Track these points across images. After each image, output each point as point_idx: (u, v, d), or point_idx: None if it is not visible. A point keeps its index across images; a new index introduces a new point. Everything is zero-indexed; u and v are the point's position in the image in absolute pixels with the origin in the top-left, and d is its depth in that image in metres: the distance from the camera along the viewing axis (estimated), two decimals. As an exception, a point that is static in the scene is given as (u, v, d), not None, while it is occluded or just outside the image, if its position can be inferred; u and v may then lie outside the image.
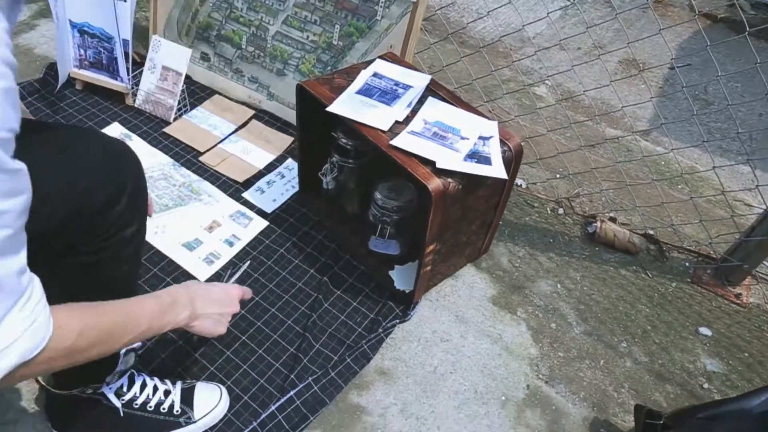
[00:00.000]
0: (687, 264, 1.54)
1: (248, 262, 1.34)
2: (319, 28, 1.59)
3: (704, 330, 1.39)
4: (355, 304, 1.32)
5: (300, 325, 1.27)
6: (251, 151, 1.66)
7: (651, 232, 1.59)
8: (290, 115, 1.74)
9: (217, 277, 1.34)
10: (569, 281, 1.46)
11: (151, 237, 1.40)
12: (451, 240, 1.23)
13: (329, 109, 1.17)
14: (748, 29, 1.26)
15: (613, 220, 1.58)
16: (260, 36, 1.70)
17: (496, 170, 1.10)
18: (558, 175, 1.74)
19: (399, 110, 1.18)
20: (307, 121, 1.36)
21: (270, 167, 1.63)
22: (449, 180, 1.07)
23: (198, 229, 1.44)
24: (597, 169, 1.71)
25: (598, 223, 1.54)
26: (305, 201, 1.53)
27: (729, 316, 1.44)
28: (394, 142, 1.11)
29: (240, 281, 1.23)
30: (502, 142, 1.18)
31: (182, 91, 1.71)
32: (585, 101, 2.04)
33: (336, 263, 1.40)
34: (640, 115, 2.02)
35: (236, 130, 1.72)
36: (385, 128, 1.14)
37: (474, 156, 1.12)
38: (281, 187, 1.57)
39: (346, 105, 1.18)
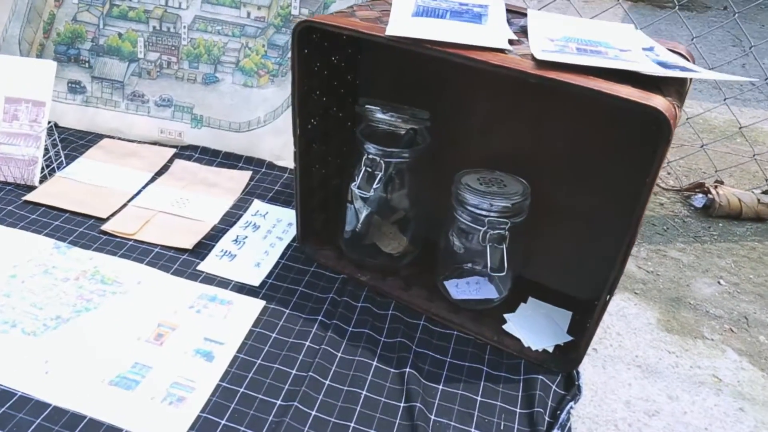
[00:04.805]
0: (824, 219, 1.18)
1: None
2: (267, -5, 1.05)
3: None
4: (479, 398, 0.72)
5: (401, 471, 0.64)
6: (189, 201, 1.02)
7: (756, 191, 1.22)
8: (234, 144, 1.14)
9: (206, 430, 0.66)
10: (725, 273, 1.00)
11: (38, 382, 0.69)
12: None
13: (393, 32, 0.62)
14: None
15: (720, 183, 1.18)
16: (168, 31, 1.10)
17: (713, 73, 0.62)
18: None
19: (501, 28, 0.67)
20: (308, 100, 0.79)
21: (228, 220, 1.00)
22: (668, 99, 0.57)
23: (135, 344, 0.75)
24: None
25: (714, 192, 1.13)
26: (311, 253, 0.92)
27: None
28: (546, 56, 0.58)
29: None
30: (672, 51, 0.71)
31: (50, 128, 1.03)
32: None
33: (411, 340, 0.79)
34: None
35: (153, 179, 1.07)
36: (503, 46, 0.62)
37: (665, 67, 0.63)
38: (261, 243, 0.94)
39: (414, 29, 0.64)
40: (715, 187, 1.14)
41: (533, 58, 0.60)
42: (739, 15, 1.21)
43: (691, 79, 0.70)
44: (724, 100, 1.15)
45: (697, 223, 1.12)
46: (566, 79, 0.56)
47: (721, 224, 1.12)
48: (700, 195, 1.16)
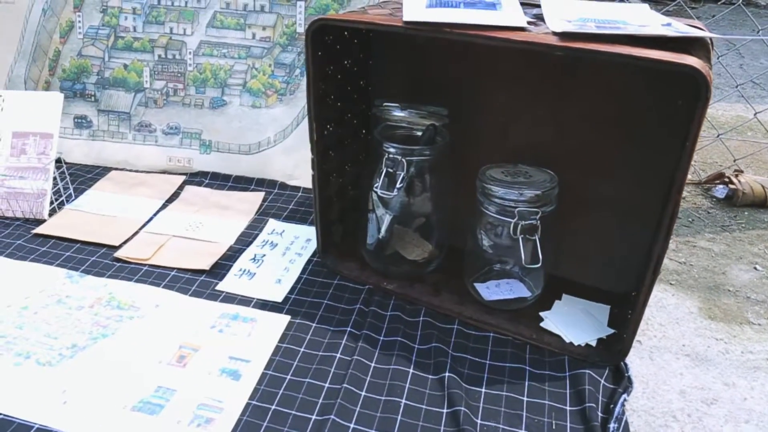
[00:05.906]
0: None
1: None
2: (271, 16, 1.05)
3: None
4: (526, 398, 0.67)
5: (452, 482, 0.59)
6: (203, 224, 0.99)
7: (776, 182, 1.19)
8: (244, 167, 1.12)
9: (235, 447, 0.61)
10: (760, 259, 0.97)
11: (56, 413, 0.65)
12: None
13: (410, 17, 0.61)
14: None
15: (740, 172, 1.16)
16: (174, 58, 1.10)
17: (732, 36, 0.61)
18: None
19: (517, 12, 0.66)
20: (323, 105, 0.77)
21: (244, 240, 0.97)
22: (701, 61, 0.55)
23: (156, 368, 0.71)
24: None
25: (736, 181, 1.11)
26: (333, 265, 0.89)
27: None
28: (568, 28, 0.57)
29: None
30: (689, 26, 0.71)
31: (58, 161, 1.01)
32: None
33: (446, 344, 0.75)
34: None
35: (165, 206, 1.05)
36: (523, 25, 0.61)
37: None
38: (280, 260, 0.91)
39: (431, 15, 0.63)
40: (736, 176, 1.12)
41: (555, 34, 0.59)
42: (730, 22, 1.22)
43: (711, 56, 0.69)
44: (736, 86, 1.15)
45: (722, 213, 1.10)
46: (594, 47, 0.55)
47: (746, 213, 1.10)
48: (721, 186, 1.14)
